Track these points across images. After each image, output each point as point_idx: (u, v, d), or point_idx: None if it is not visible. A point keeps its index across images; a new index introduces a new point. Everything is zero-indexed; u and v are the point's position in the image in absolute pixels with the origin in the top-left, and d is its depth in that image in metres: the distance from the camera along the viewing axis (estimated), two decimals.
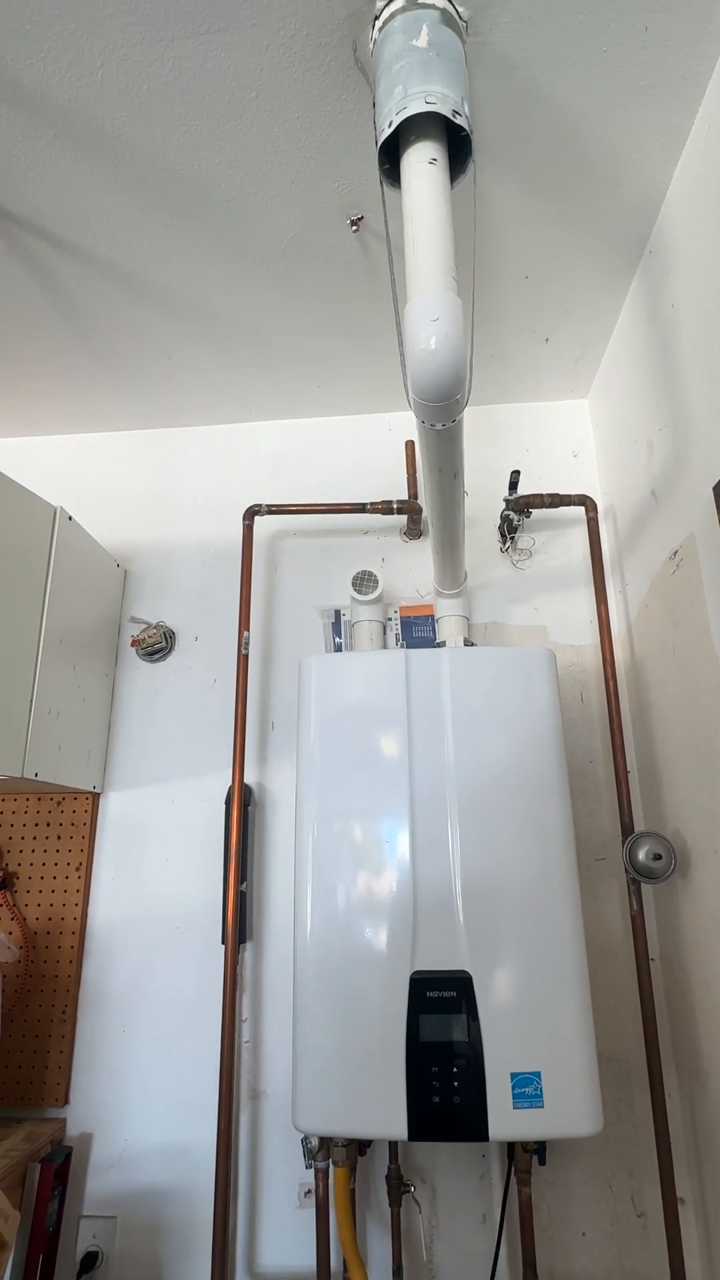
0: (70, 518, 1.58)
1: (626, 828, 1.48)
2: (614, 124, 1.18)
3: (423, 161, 0.96)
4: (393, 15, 1.00)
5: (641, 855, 1.34)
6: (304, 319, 1.61)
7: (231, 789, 1.59)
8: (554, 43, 1.06)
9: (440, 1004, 1.15)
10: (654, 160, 1.25)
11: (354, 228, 1.36)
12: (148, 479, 1.98)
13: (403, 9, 0.99)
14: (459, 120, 0.93)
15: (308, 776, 1.29)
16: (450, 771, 1.25)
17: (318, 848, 1.24)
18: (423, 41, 0.97)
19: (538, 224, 1.37)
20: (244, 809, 1.60)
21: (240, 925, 1.53)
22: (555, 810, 1.23)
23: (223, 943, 1.52)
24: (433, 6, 0.99)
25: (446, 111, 0.93)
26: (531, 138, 1.20)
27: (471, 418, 1.93)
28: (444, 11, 0.99)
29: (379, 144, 0.97)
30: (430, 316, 0.88)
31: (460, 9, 1.02)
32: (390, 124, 0.95)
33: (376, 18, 1.02)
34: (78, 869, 1.64)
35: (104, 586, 1.78)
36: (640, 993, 1.40)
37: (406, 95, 0.94)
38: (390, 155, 1.00)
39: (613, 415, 1.73)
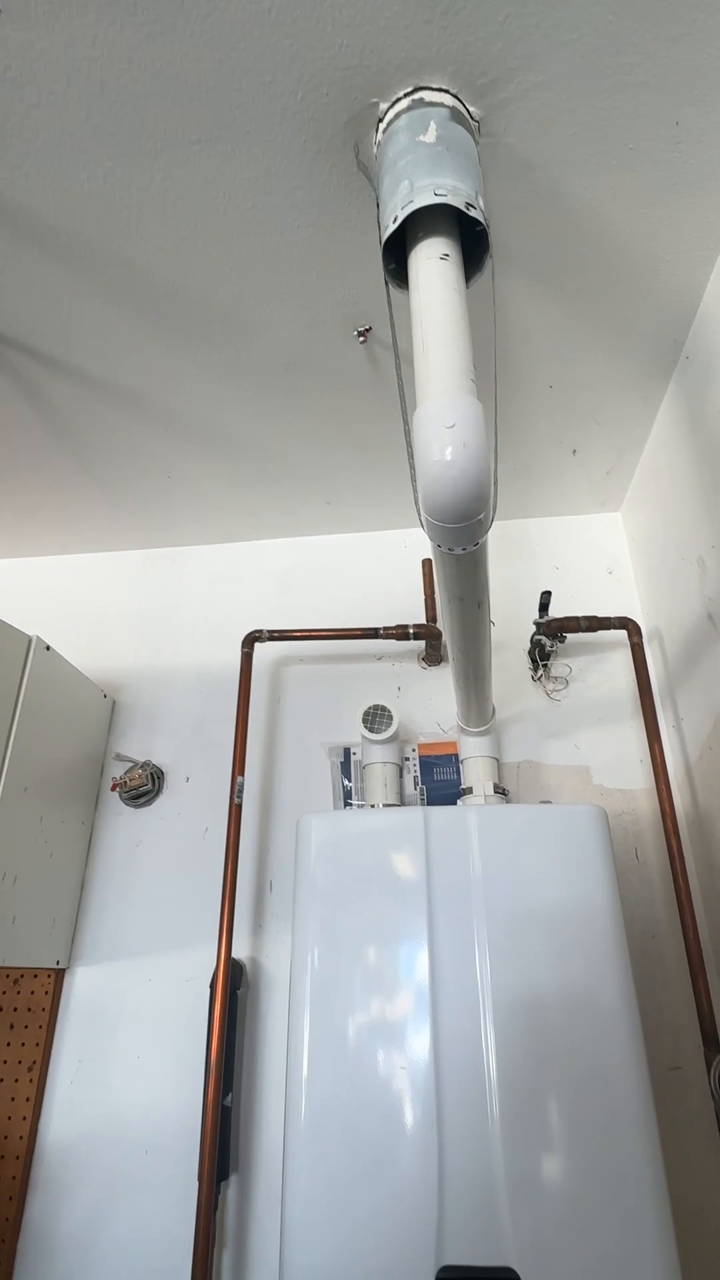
0: (48, 647, 1.41)
1: (708, 1035, 1.17)
2: (644, 224, 1.08)
3: (433, 258, 0.84)
4: (397, 115, 0.91)
5: None
6: (311, 434, 1.50)
7: (216, 971, 1.31)
8: (576, 142, 0.97)
9: None
10: (688, 260, 1.14)
11: (361, 339, 1.26)
12: (145, 601, 1.83)
13: (408, 109, 0.91)
14: (473, 213, 0.82)
15: (303, 969, 1.03)
16: (484, 974, 0.99)
17: (313, 1072, 0.97)
18: (430, 137, 0.87)
19: (562, 330, 1.26)
20: (231, 994, 1.32)
21: (222, 1154, 1.22)
22: (622, 1031, 0.95)
23: (198, 1179, 1.20)
24: (440, 105, 0.91)
25: (459, 203, 0.81)
26: (553, 241, 1.10)
27: (493, 533, 1.78)
28: (453, 110, 0.91)
29: (383, 241, 0.86)
30: (445, 423, 0.72)
31: (471, 108, 0.93)
32: (395, 219, 0.83)
33: (380, 120, 0.94)
34: (30, 1069, 1.35)
35: (87, 721, 1.59)
36: None
37: (413, 189, 0.83)
38: (397, 255, 0.89)
39: (652, 530, 1.57)
